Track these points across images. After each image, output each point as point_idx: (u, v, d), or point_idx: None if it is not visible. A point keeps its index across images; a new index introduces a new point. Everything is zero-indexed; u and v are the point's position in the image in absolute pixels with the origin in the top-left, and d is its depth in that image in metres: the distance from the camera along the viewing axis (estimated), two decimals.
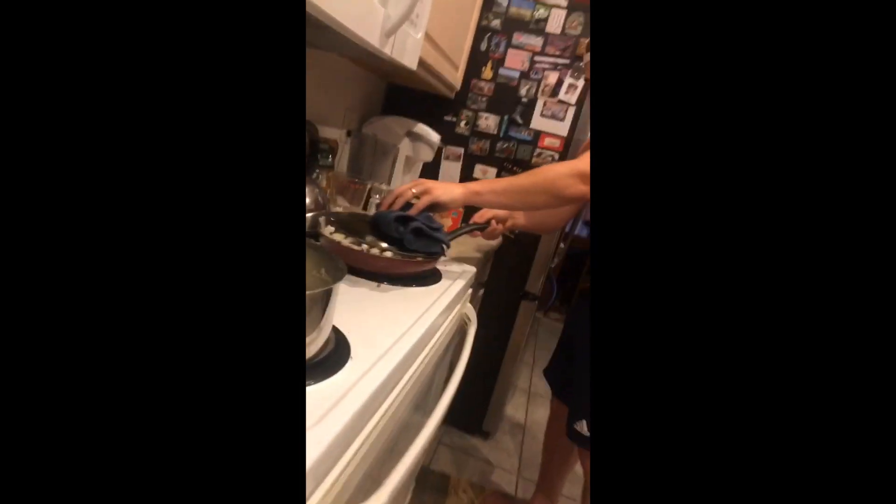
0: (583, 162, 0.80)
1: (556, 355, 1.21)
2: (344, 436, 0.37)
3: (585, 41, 1.32)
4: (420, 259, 0.75)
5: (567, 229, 2.08)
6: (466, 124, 1.45)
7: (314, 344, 0.42)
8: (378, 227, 0.78)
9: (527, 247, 1.48)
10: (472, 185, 0.83)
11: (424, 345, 0.58)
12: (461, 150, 1.47)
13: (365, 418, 0.42)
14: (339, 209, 1.12)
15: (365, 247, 0.71)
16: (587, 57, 1.02)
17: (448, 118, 1.46)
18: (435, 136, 1.34)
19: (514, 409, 1.90)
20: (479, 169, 1.47)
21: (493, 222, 1.01)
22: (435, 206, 0.82)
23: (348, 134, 1.34)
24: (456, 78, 1.35)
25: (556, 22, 1.34)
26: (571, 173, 0.79)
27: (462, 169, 1.48)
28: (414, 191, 0.81)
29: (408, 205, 0.81)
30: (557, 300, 3.06)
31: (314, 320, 0.41)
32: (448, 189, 0.81)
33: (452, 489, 1.36)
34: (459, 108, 1.44)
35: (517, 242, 1.47)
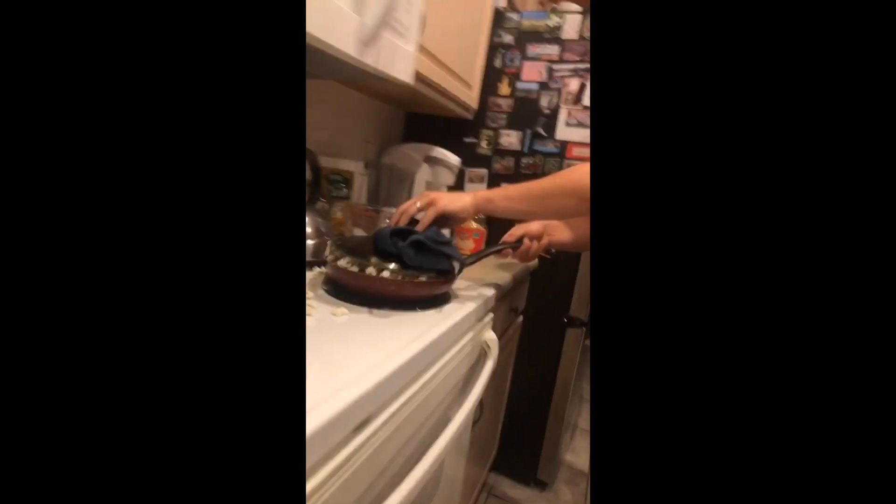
0: None
1: None
2: None
3: None
4: (425, 279, 0.65)
5: None
6: (488, 144, 1.39)
7: None
8: (377, 245, 0.69)
9: (566, 267, 1.34)
10: (482, 192, 0.73)
11: (409, 375, 0.48)
12: (485, 171, 1.40)
13: (316, 453, 0.33)
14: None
15: (371, 269, 0.62)
16: None
17: (468, 140, 1.40)
18: (454, 159, 1.28)
19: (575, 453, 1.69)
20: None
21: (526, 240, 0.85)
22: (444, 220, 0.73)
23: (366, 165, 1.32)
24: (471, 97, 1.30)
25: (572, 28, 1.27)
26: None
27: (488, 189, 1.40)
28: (418, 204, 0.73)
29: (414, 221, 0.74)
30: None
31: None
32: (456, 198, 0.72)
33: None
34: (479, 129, 1.39)
35: (555, 263, 1.35)
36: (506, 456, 1.46)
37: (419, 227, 0.71)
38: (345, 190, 1.19)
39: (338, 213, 1.12)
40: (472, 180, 1.42)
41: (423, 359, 0.51)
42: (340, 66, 0.68)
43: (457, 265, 0.71)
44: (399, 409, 0.46)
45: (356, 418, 0.39)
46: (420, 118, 1.47)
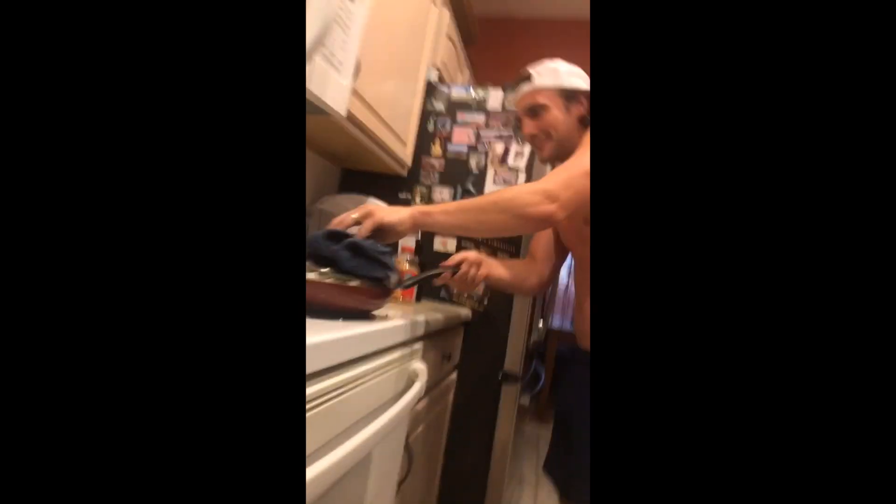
0: (548, 181, 0.72)
1: (552, 444, 0.99)
2: None
3: None
4: (356, 285, 0.59)
5: (547, 298, 1.93)
6: (422, 200, 1.43)
7: None
8: (309, 250, 0.62)
9: (498, 322, 1.34)
10: (421, 206, 0.73)
11: (317, 389, 0.43)
12: None
13: None
14: None
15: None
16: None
17: (403, 195, 1.44)
18: None
19: None
20: (438, 241, 1.41)
21: (465, 265, 0.86)
22: (381, 233, 0.71)
23: None
24: (406, 154, 1.37)
25: (495, 100, 1.42)
26: (535, 191, 0.70)
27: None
28: (354, 216, 0.71)
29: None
30: (544, 386, 2.73)
31: None
32: (394, 211, 0.70)
33: None
34: (413, 185, 1.44)
35: (486, 316, 1.34)
36: None
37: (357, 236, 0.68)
38: None
39: None
40: None
41: (337, 348, 0.46)
42: None
43: (393, 277, 0.67)
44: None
45: None
46: (356, 174, 1.50)
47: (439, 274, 0.83)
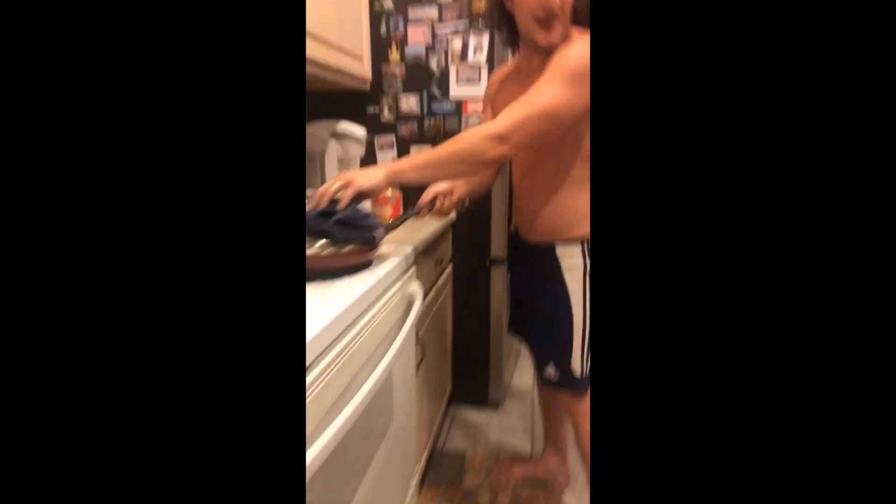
0: (496, 123, 0.78)
1: (511, 308, 1.22)
2: None
3: None
4: (349, 250, 0.75)
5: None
6: (390, 111, 1.45)
7: None
8: (307, 228, 0.76)
9: (480, 214, 1.48)
10: (391, 166, 0.82)
11: (342, 326, 0.59)
12: (391, 137, 1.47)
13: None
14: None
15: None
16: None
17: (371, 109, 1.46)
18: (360, 130, 1.33)
19: (520, 374, 1.92)
20: (413, 150, 1.47)
21: (439, 199, 0.98)
22: (362, 196, 0.82)
23: None
24: (364, 69, 1.34)
25: None
26: (487, 137, 0.77)
27: (398, 154, 1.48)
28: (335, 185, 0.81)
29: (335, 201, 0.82)
30: None
31: None
32: (369, 175, 0.80)
33: (469, 465, 1.38)
34: (379, 97, 1.44)
35: (469, 213, 1.48)
36: (460, 388, 1.65)
37: (340, 207, 0.79)
38: None
39: None
40: (381, 148, 1.48)
41: (353, 311, 0.62)
42: None
43: (379, 233, 0.80)
44: (339, 355, 0.57)
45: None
46: (321, 96, 1.49)
47: (418, 212, 0.95)
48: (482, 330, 1.59)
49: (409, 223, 1.32)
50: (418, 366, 1.09)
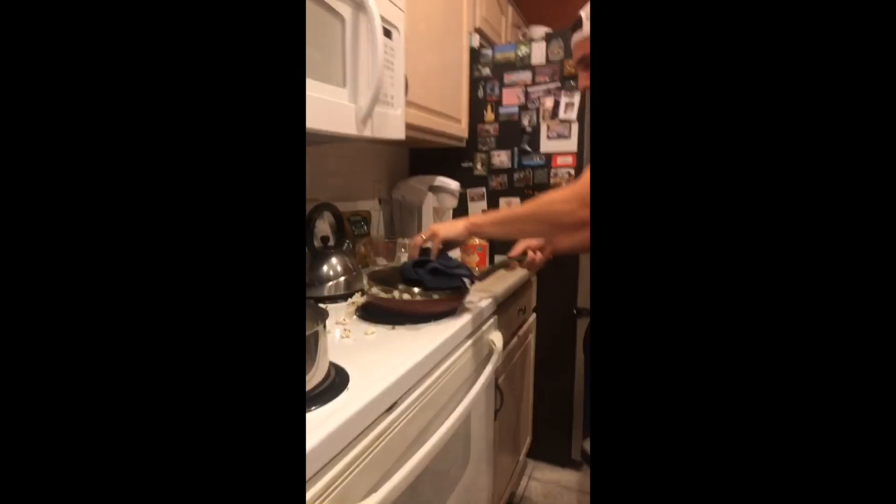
0: (578, 184, 0.74)
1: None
2: (339, 438, 0.47)
3: (569, 61, 1.39)
4: (437, 297, 0.83)
5: None
6: (482, 165, 1.56)
7: (313, 379, 0.53)
8: (403, 275, 0.87)
9: (568, 265, 1.49)
10: (473, 219, 0.89)
11: (425, 369, 0.66)
12: (483, 190, 1.57)
13: (357, 428, 0.50)
14: (378, 268, 1.27)
15: (396, 294, 0.82)
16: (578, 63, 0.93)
17: (465, 164, 1.58)
18: (454, 184, 1.46)
19: None
20: (503, 201, 1.55)
21: (530, 252, 0.99)
22: (448, 245, 0.91)
23: (380, 202, 1.52)
24: (461, 129, 1.48)
25: (538, 54, 1.43)
26: (569, 198, 0.74)
27: (488, 205, 1.57)
28: (423, 236, 0.92)
29: (426, 250, 0.92)
30: None
31: (310, 359, 0.52)
32: (451, 227, 0.89)
33: None
34: (473, 153, 1.57)
35: (556, 262, 1.49)
36: (540, 443, 1.61)
37: (433, 257, 0.88)
38: (364, 227, 1.38)
39: (361, 248, 1.31)
40: (472, 199, 1.59)
41: (435, 356, 0.69)
42: (344, 138, 0.87)
43: (468, 281, 0.88)
44: (420, 395, 0.64)
45: (386, 402, 0.56)
46: (422, 152, 1.66)
47: (508, 264, 1.00)
48: (566, 383, 1.55)
49: (496, 274, 1.38)
50: (496, 413, 1.12)
